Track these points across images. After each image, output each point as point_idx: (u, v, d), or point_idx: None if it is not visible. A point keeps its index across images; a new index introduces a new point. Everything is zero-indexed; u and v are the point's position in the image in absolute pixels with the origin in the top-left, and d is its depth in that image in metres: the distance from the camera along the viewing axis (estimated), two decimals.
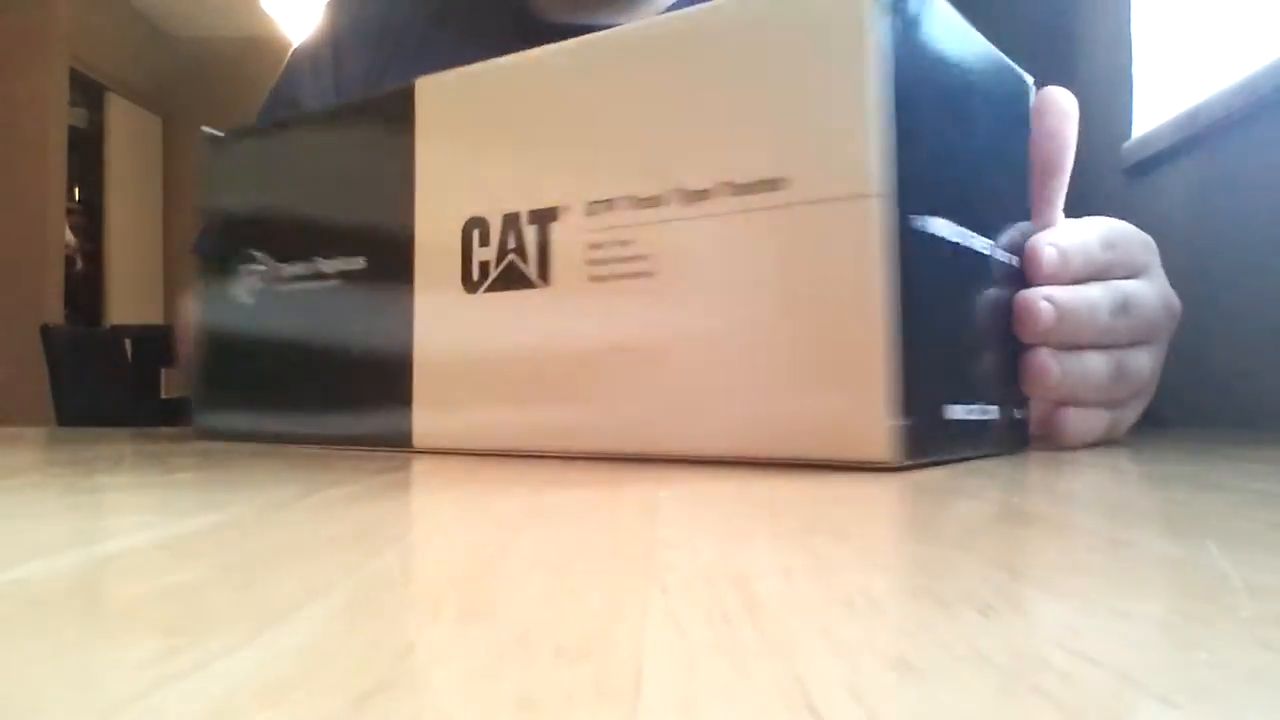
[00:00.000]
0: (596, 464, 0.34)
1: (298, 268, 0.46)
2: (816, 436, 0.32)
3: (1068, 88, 0.43)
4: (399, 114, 0.43)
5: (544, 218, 0.38)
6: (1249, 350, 0.68)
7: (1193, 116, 0.83)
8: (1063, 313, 0.38)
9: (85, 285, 4.18)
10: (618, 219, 0.36)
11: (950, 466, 0.32)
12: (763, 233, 0.33)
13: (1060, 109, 0.42)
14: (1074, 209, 0.44)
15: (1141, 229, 0.44)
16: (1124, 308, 0.40)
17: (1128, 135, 1.04)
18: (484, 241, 0.40)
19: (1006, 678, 0.09)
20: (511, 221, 0.39)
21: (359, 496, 0.24)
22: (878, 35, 0.31)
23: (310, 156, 0.48)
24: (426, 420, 0.41)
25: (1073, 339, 0.39)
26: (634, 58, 0.37)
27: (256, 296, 0.48)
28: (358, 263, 0.44)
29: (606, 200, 0.37)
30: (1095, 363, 0.40)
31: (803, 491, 0.25)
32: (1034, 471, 0.32)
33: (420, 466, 0.33)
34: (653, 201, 0.36)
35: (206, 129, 0.52)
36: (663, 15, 0.38)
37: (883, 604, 0.12)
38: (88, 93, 4.24)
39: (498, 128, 0.40)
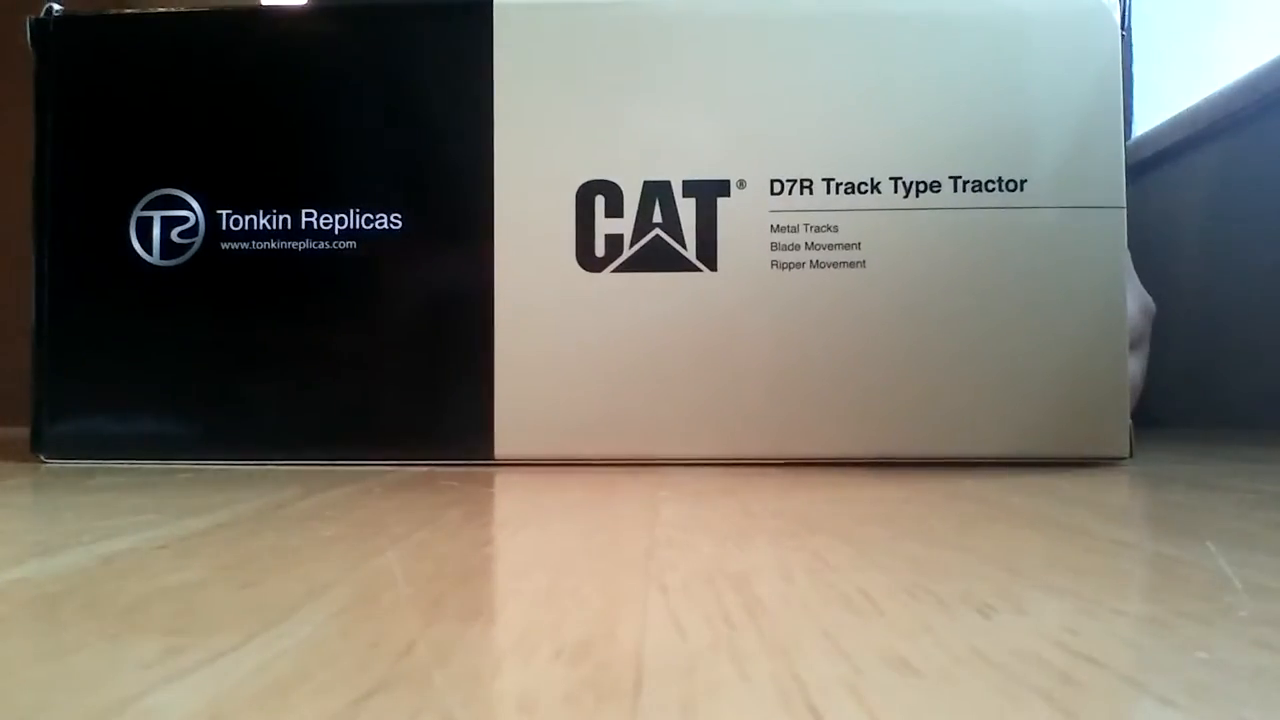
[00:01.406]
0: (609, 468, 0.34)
1: (266, 220, 0.34)
2: (1055, 436, 0.33)
3: None
4: (468, 24, 0.34)
5: (708, 191, 0.33)
6: (1251, 351, 0.68)
7: (1193, 116, 0.83)
8: None
9: None
10: (815, 202, 0.33)
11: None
12: (995, 231, 0.33)
13: None
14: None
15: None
16: None
17: (1128, 135, 1.04)
18: (614, 211, 0.33)
19: (1006, 678, 0.09)
20: (658, 192, 0.33)
21: (359, 497, 0.24)
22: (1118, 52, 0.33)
23: (290, 56, 0.35)
24: (512, 426, 0.33)
25: None
26: (851, 30, 0.33)
27: (179, 257, 0.34)
28: (384, 220, 0.34)
29: (800, 180, 0.33)
30: None
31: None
32: (1034, 473, 0.32)
33: (420, 467, 0.33)
34: (864, 188, 0.33)
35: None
36: None
37: (882, 603, 0.12)
38: None
39: (629, 70, 0.33)
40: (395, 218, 0.34)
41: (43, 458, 0.34)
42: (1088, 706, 0.08)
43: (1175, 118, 0.88)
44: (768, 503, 0.23)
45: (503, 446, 0.33)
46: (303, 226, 0.34)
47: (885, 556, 0.16)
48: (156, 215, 0.34)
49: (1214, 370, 0.72)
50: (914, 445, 0.33)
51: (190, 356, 0.34)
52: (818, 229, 0.33)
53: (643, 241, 0.33)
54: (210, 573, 0.14)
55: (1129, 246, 0.34)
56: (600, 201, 0.33)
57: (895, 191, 0.33)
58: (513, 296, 0.33)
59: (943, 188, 0.33)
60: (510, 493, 0.26)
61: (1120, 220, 0.33)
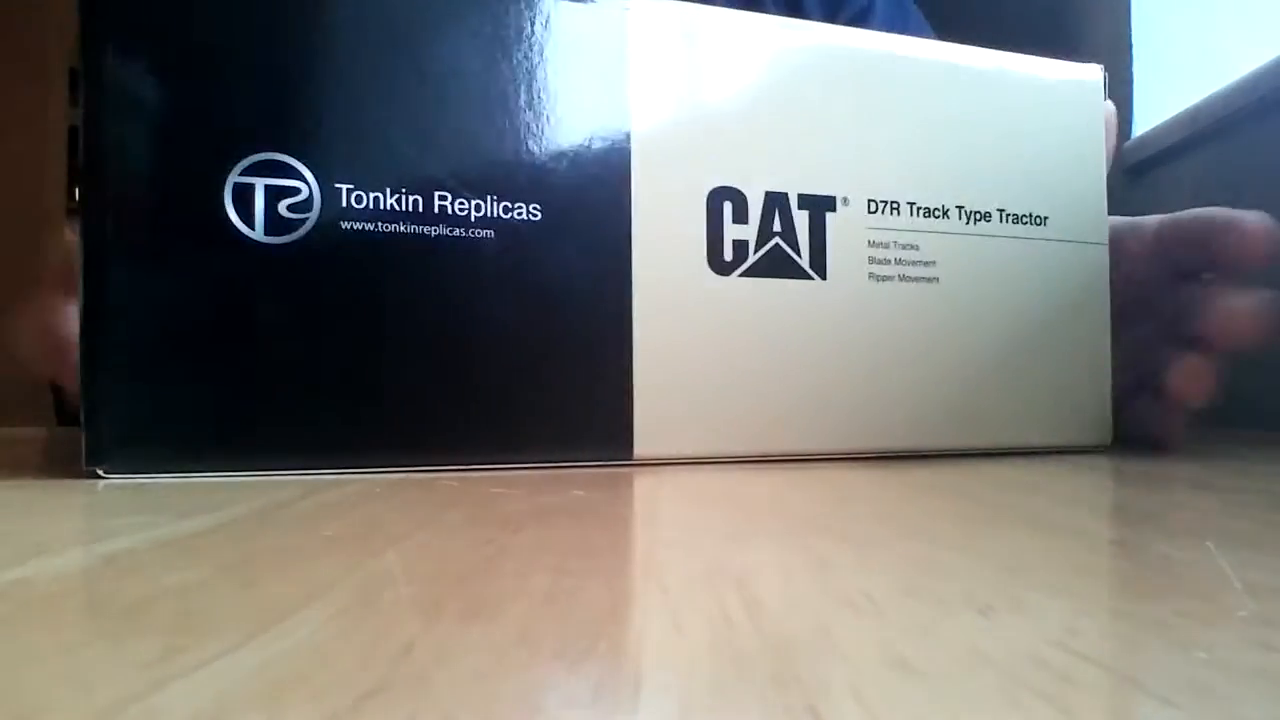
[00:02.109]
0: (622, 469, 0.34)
1: (395, 201, 0.30)
2: (1054, 427, 0.40)
3: None
4: (606, 22, 0.34)
5: (819, 205, 0.36)
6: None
7: (1193, 116, 0.83)
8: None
9: None
10: (901, 222, 0.37)
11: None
12: (1027, 257, 0.40)
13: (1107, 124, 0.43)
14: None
15: None
16: None
17: (1128, 135, 1.04)
18: (740, 218, 0.35)
19: (1006, 678, 0.09)
20: (777, 202, 0.35)
21: (359, 497, 0.24)
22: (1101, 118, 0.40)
23: (428, 21, 0.32)
24: (652, 425, 0.33)
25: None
26: (930, 77, 0.38)
27: (292, 235, 0.29)
28: (524, 211, 0.32)
29: (890, 201, 0.37)
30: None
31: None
32: (1034, 471, 0.32)
33: (447, 472, 0.33)
34: (937, 213, 0.38)
35: None
36: (962, 49, 0.39)
37: (882, 603, 0.12)
38: None
39: (754, 89, 0.36)
40: (535, 208, 0.32)
41: (101, 473, 0.28)
42: (1088, 706, 0.08)
43: (1175, 118, 0.88)
44: (768, 503, 0.23)
45: (642, 446, 0.33)
46: (435, 210, 0.31)
47: (885, 556, 0.16)
48: (260, 183, 0.29)
49: None
50: (926, 438, 0.37)
51: (305, 348, 0.30)
52: (904, 246, 0.37)
53: (765, 248, 0.35)
54: (210, 573, 0.14)
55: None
56: (728, 207, 0.35)
57: (960, 218, 0.38)
58: (650, 296, 0.33)
59: (993, 218, 0.39)
60: (510, 493, 0.26)
61: (1105, 252, 0.41)
